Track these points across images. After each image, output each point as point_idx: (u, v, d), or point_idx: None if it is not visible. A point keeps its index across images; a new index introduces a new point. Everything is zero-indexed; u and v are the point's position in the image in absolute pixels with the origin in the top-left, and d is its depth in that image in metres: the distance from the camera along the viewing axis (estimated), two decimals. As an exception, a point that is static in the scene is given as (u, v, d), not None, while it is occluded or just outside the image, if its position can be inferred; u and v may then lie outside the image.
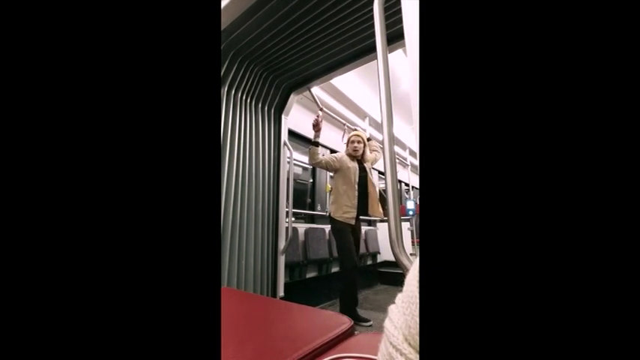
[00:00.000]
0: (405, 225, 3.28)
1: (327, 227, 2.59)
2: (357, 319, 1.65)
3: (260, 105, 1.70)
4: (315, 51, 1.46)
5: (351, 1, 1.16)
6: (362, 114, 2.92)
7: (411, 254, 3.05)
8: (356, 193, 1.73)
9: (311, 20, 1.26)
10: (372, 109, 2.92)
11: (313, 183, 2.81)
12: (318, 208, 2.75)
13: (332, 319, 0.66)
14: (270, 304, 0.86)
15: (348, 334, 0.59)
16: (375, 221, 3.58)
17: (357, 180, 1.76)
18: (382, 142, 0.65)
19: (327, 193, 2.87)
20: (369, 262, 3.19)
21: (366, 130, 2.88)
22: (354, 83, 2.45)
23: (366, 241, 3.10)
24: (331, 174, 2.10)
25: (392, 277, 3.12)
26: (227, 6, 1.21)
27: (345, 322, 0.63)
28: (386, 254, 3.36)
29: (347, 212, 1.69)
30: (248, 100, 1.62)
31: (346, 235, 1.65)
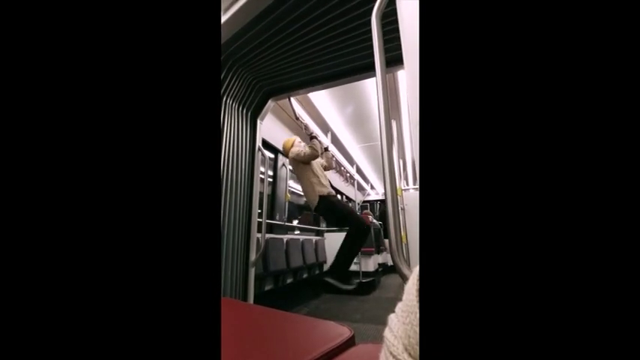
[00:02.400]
0: (351, 236, 3.47)
1: (286, 237, 2.55)
2: (345, 281, 1.68)
3: (239, 106, 1.62)
4: (303, 63, 1.50)
5: (342, 22, 1.24)
6: (326, 128, 3.06)
7: (355, 262, 3.23)
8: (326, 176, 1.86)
9: (305, 34, 1.30)
10: (335, 125, 3.10)
11: (273, 192, 2.75)
12: (277, 217, 2.69)
13: (332, 330, 0.68)
14: (270, 314, 0.82)
15: (348, 345, 0.61)
16: (322, 231, 3.69)
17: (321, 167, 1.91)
18: (381, 154, 0.68)
19: (286, 203, 2.84)
20: (317, 271, 3.25)
21: (328, 145, 3.02)
22: (323, 98, 2.57)
23: (315, 250, 3.16)
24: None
25: (336, 286, 3.22)
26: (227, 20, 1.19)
27: (346, 332, 0.65)
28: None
29: (327, 187, 1.77)
30: (228, 101, 1.53)
31: (343, 202, 1.69)
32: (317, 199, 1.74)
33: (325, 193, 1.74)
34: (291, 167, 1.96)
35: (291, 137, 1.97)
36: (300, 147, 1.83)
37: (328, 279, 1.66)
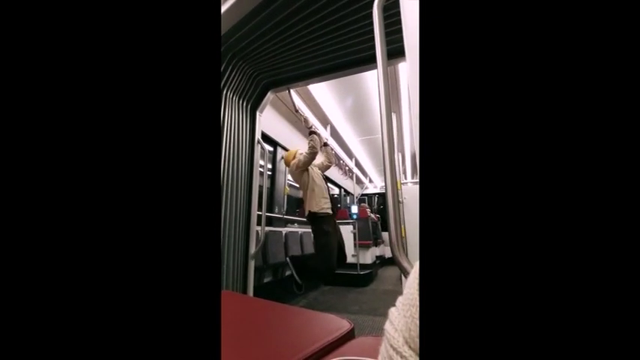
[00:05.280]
0: (349, 228, 3.50)
1: (284, 230, 2.57)
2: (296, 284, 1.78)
3: (239, 99, 1.60)
4: (303, 55, 1.47)
5: (344, 14, 1.22)
6: (325, 121, 3.04)
7: (352, 255, 3.26)
8: (327, 188, 1.87)
9: (306, 27, 1.28)
10: (334, 118, 3.07)
11: (272, 185, 2.75)
12: (276, 210, 2.70)
13: (332, 323, 0.68)
14: (270, 307, 0.83)
15: (348, 337, 0.61)
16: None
17: (322, 178, 1.89)
18: (382, 147, 0.67)
19: (285, 196, 2.85)
20: (316, 264, 3.28)
21: (327, 139, 3.01)
22: (323, 91, 2.54)
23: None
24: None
25: (334, 277, 3.26)
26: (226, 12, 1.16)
27: (345, 325, 0.65)
28: (330, 257, 3.49)
29: (325, 204, 1.78)
30: (228, 94, 1.51)
31: (330, 235, 1.72)
32: (308, 212, 1.78)
33: (317, 210, 1.76)
34: (292, 179, 2.00)
35: (292, 150, 1.98)
36: (299, 157, 1.84)
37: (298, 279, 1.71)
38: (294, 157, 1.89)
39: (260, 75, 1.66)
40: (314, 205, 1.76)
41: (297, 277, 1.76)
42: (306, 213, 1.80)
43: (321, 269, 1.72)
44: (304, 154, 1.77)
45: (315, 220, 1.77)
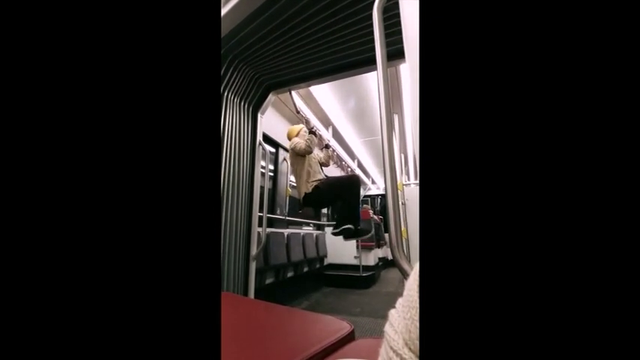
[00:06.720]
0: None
1: (287, 232, 2.57)
2: (359, 233, 1.69)
3: (240, 101, 1.61)
4: (304, 56, 1.48)
5: (344, 16, 1.23)
6: (327, 122, 3.04)
7: (355, 257, 3.24)
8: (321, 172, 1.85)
9: (306, 29, 1.29)
10: (336, 119, 3.08)
11: (274, 187, 2.75)
12: (278, 212, 2.70)
13: (332, 325, 0.68)
14: (271, 309, 0.83)
15: (348, 339, 0.61)
16: (323, 226, 3.71)
17: (318, 164, 1.88)
18: (382, 149, 0.68)
19: (287, 197, 2.85)
20: (317, 265, 3.28)
21: (329, 140, 3.02)
22: (325, 92, 2.55)
23: (316, 244, 3.18)
24: (291, 177, 2.11)
25: (336, 279, 3.26)
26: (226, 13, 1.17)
27: (345, 327, 0.65)
28: (331, 257, 3.49)
29: (315, 181, 1.76)
30: (229, 96, 1.52)
31: (322, 185, 1.70)
32: (303, 194, 1.74)
33: (310, 191, 1.71)
34: (288, 158, 1.92)
35: (298, 125, 1.94)
36: (302, 138, 1.79)
37: (347, 226, 1.62)
38: (297, 134, 1.85)
39: (261, 77, 1.66)
40: (309, 187, 1.72)
41: (352, 226, 1.63)
42: (301, 196, 1.76)
43: (346, 185, 1.66)
44: (303, 142, 1.73)
45: (310, 196, 1.72)
